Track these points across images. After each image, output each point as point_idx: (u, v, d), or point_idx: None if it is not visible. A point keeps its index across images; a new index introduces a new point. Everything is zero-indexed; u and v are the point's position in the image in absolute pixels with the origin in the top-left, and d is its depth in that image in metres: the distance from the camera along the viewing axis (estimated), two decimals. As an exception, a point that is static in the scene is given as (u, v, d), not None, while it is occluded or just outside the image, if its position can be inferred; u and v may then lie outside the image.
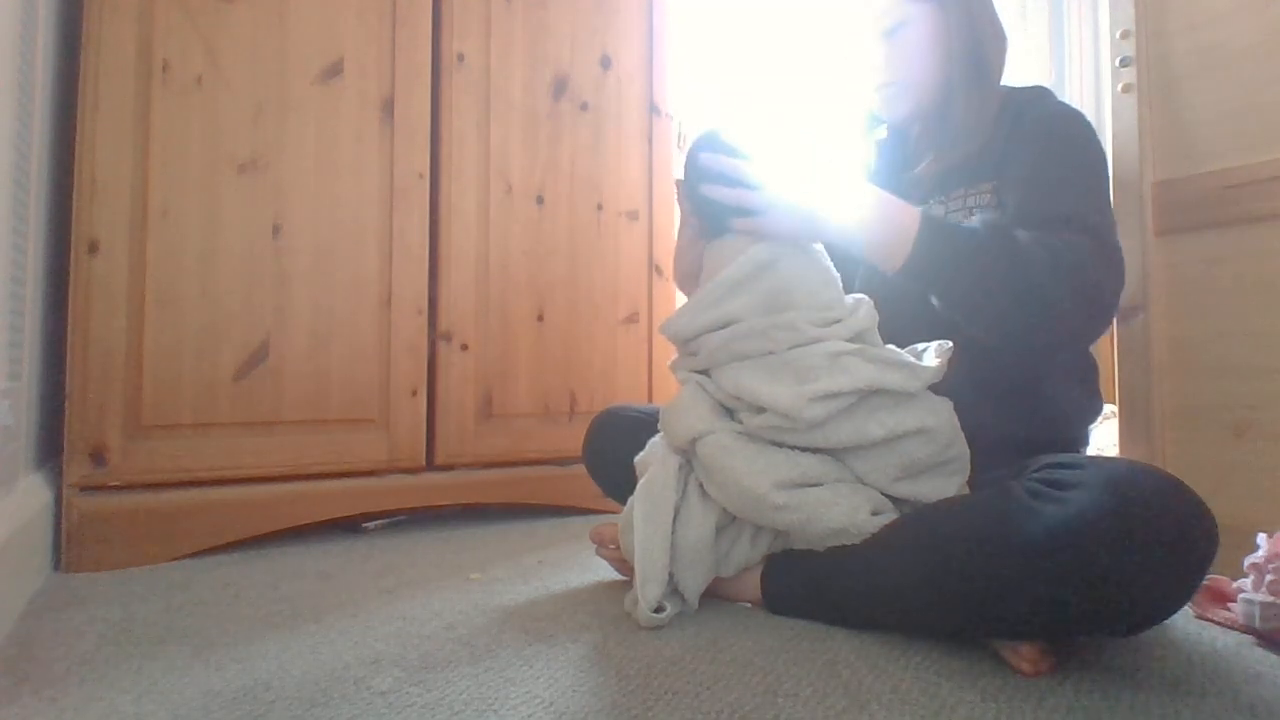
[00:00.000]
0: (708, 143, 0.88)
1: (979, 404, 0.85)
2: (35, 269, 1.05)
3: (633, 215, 1.58)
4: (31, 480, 1.02)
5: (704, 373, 0.89)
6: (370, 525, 1.34)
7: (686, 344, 0.90)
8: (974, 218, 0.90)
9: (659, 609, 0.81)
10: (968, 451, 0.82)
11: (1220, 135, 1.02)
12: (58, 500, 1.07)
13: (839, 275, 0.90)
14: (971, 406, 0.83)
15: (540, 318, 1.47)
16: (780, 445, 0.82)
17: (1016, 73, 1.22)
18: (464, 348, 1.38)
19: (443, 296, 1.36)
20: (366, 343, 1.29)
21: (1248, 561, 0.80)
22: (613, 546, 0.96)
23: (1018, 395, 0.89)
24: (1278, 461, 0.94)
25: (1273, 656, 0.73)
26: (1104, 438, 1.31)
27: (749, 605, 0.88)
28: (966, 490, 0.83)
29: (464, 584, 1.00)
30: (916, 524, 0.77)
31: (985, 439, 0.84)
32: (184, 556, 1.12)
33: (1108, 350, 1.16)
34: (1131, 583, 0.60)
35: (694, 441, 0.84)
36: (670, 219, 1.60)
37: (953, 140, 0.95)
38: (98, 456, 1.08)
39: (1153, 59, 1.10)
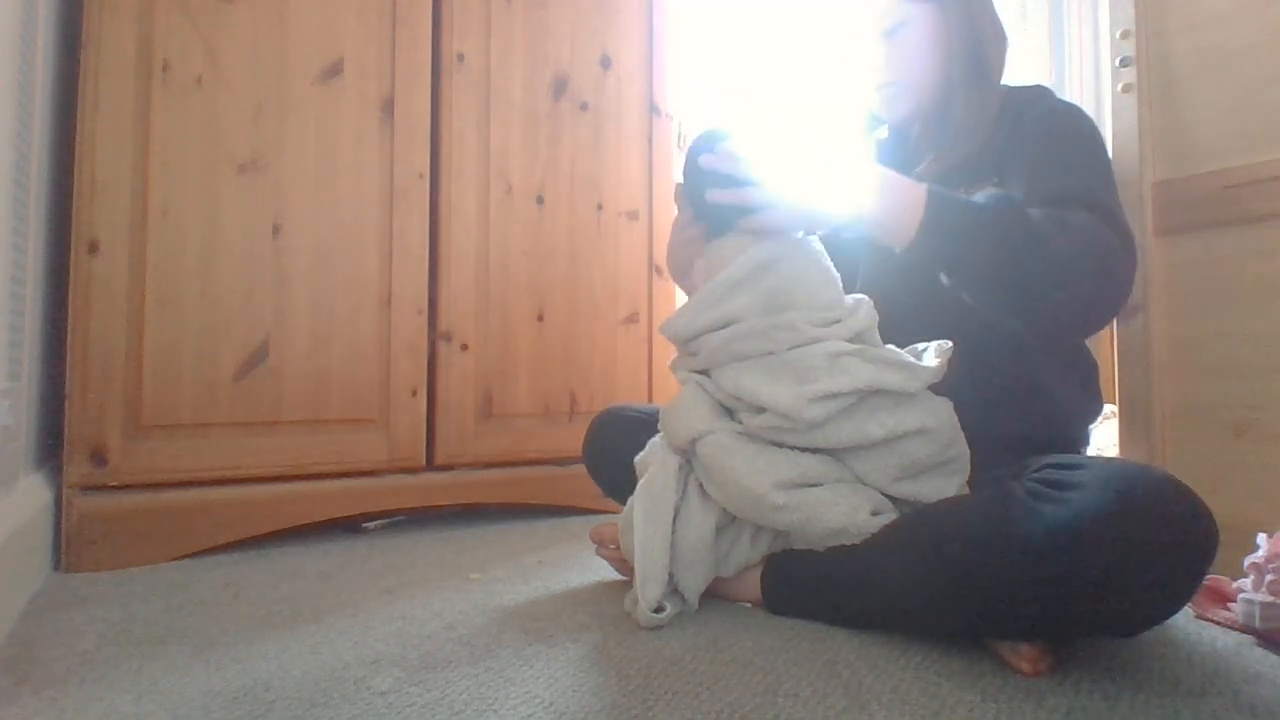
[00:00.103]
0: (705, 145, 0.87)
1: (979, 404, 0.85)
2: (35, 269, 1.05)
3: (633, 215, 1.58)
4: (31, 480, 1.02)
5: (704, 373, 0.89)
6: (370, 525, 1.34)
7: (686, 344, 0.90)
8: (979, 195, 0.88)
9: (659, 609, 0.81)
10: (968, 451, 0.82)
11: (1220, 135, 1.02)
12: (58, 500, 1.07)
13: (839, 275, 0.90)
14: (972, 406, 0.83)
15: (540, 318, 1.47)
16: (780, 445, 0.82)
17: (1016, 73, 1.22)
18: (464, 348, 1.38)
19: (443, 296, 1.36)
20: (366, 343, 1.29)
21: (1248, 561, 0.80)
22: (613, 546, 0.96)
23: (1018, 395, 0.89)
24: (1278, 461, 0.94)
25: (1273, 656, 0.73)
26: (1104, 438, 1.31)
27: (749, 605, 0.88)
28: (966, 490, 0.83)
29: (464, 584, 1.00)
30: (916, 524, 0.77)
31: (985, 439, 0.84)
32: (184, 556, 1.12)
33: (1108, 350, 1.16)
34: (1131, 583, 0.60)
35: (694, 441, 0.84)
36: (670, 219, 1.60)
37: (953, 140, 0.95)
38: (98, 456, 1.08)
39: (1153, 59, 1.10)
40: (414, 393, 1.32)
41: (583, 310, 1.52)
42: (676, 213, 0.94)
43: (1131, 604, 0.62)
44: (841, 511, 0.79)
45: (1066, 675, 0.67)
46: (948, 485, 0.81)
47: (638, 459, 0.94)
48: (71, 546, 1.05)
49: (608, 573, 1.03)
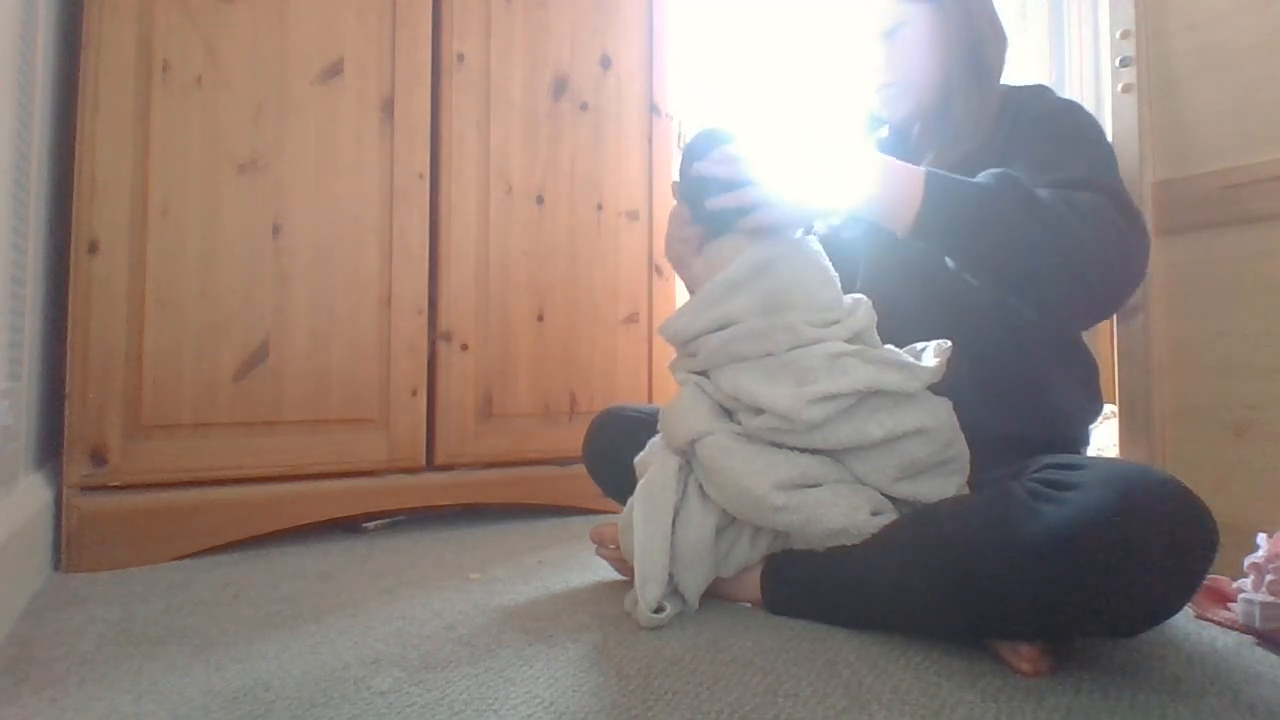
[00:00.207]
0: (699, 148, 0.87)
1: (979, 404, 0.85)
2: (35, 269, 1.05)
3: (633, 215, 1.58)
4: (31, 480, 1.02)
5: (703, 374, 0.89)
6: (370, 525, 1.34)
7: (685, 345, 0.90)
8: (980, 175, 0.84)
9: (659, 609, 0.81)
10: (967, 451, 0.82)
11: (1220, 135, 1.02)
12: (58, 500, 1.07)
13: (838, 275, 0.90)
14: (971, 406, 0.83)
15: (540, 318, 1.47)
16: (780, 446, 0.82)
17: (1016, 73, 1.22)
18: (464, 348, 1.38)
19: (443, 296, 1.36)
20: (366, 342, 1.29)
21: (1248, 561, 0.80)
22: (613, 546, 0.96)
23: (1018, 395, 0.89)
24: (1278, 461, 0.94)
25: (1273, 656, 0.73)
26: (1104, 438, 1.31)
27: (749, 605, 0.88)
28: (966, 490, 0.83)
29: (464, 584, 1.00)
30: (916, 524, 0.77)
31: (985, 439, 0.84)
32: (184, 556, 1.12)
33: (1108, 350, 1.16)
34: (1131, 583, 0.60)
35: (693, 442, 0.84)
36: (670, 219, 1.60)
37: (953, 139, 0.95)
38: (98, 456, 1.08)
39: (1153, 59, 1.10)
40: (414, 393, 1.32)
41: (583, 310, 1.52)
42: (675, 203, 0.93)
43: (1131, 604, 0.62)
44: (841, 512, 0.78)
45: (1066, 675, 0.67)
46: (947, 485, 0.81)
47: (637, 459, 0.94)
48: (71, 546, 1.05)
49: (608, 573, 1.03)
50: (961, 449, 0.82)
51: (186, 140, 1.15)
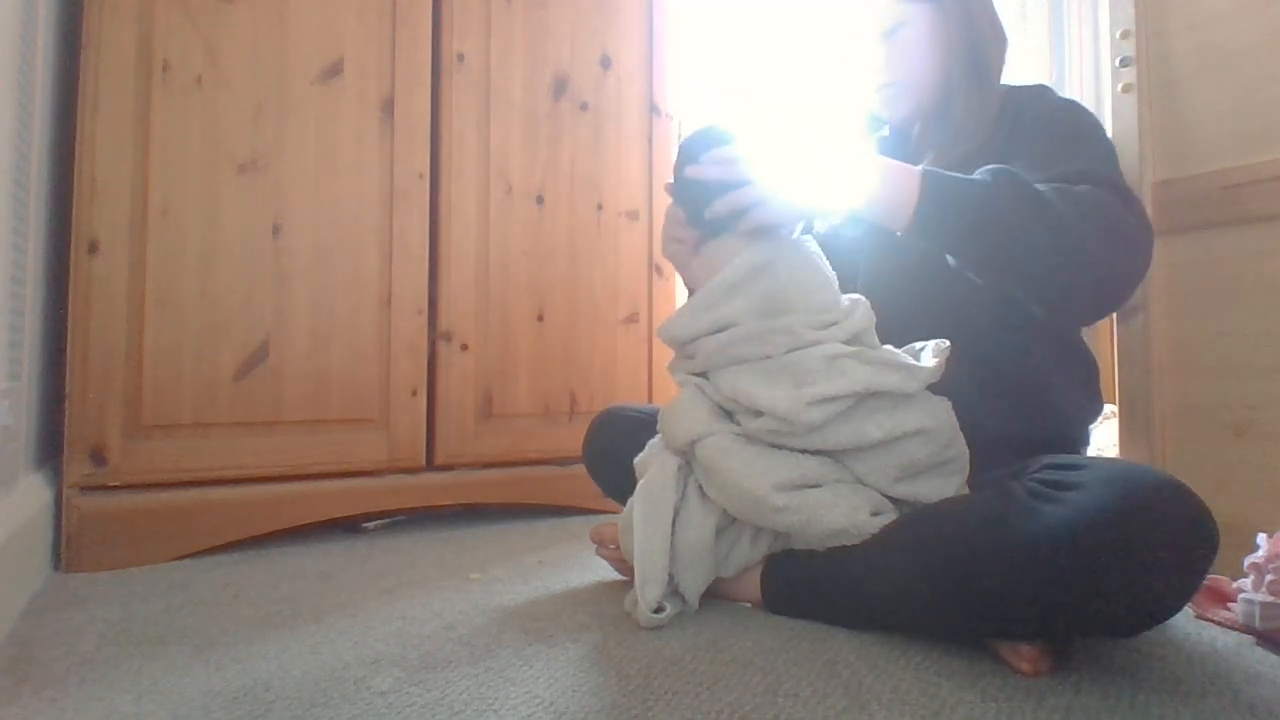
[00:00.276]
0: (694, 149, 0.86)
1: (979, 404, 0.85)
2: (35, 269, 1.05)
3: (633, 215, 1.58)
4: (31, 480, 1.02)
5: (702, 375, 0.89)
6: (370, 525, 1.34)
7: (684, 347, 0.90)
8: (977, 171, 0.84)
9: (659, 609, 0.81)
10: (967, 451, 0.82)
11: (1220, 135, 1.02)
12: (58, 500, 1.07)
13: (838, 275, 0.90)
14: (972, 406, 0.83)
15: (540, 318, 1.47)
16: (779, 447, 0.82)
17: (1016, 73, 1.22)
18: (464, 348, 1.38)
19: (443, 296, 1.36)
20: (366, 342, 1.29)
21: (1248, 561, 0.80)
22: (613, 546, 0.96)
23: (1018, 395, 0.89)
24: (1278, 461, 0.94)
25: (1273, 656, 0.73)
26: (1104, 438, 1.31)
27: (749, 605, 0.88)
28: (966, 490, 0.83)
29: (464, 584, 1.00)
30: (916, 524, 0.77)
31: (985, 439, 0.84)
32: (184, 556, 1.12)
33: (1108, 350, 1.16)
34: (1131, 583, 0.60)
35: (693, 443, 0.84)
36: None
37: (953, 139, 0.95)
38: (98, 456, 1.08)
39: (1153, 59, 1.10)
40: (414, 393, 1.32)
41: (583, 310, 1.52)
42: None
43: (1132, 604, 0.62)
44: (841, 512, 0.78)
45: (1066, 675, 0.67)
46: (947, 485, 0.81)
47: (637, 460, 0.94)
48: (71, 546, 1.05)
49: (608, 573, 1.03)
50: (961, 449, 0.82)
51: (186, 140, 1.15)
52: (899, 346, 0.86)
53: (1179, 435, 1.05)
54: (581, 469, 1.19)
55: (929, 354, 0.84)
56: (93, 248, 1.08)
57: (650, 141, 1.61)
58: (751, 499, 0.80)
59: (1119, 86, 1.13)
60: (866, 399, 0.80)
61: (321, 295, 1.25)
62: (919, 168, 0.77)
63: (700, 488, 0.85)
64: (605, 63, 1.57)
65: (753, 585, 0.86)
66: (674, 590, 0.85)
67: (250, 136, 1.20)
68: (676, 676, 0.67)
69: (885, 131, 1.08)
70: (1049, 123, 0.89)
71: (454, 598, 0.93)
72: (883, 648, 0.74)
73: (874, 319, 0.87)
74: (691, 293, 0.93)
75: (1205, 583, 0.83)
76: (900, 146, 1.06)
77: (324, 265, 1.25)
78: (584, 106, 1.53)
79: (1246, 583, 0.80)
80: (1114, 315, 1.12)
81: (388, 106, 1.32)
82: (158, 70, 1.13)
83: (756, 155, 0.82)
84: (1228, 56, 1.01)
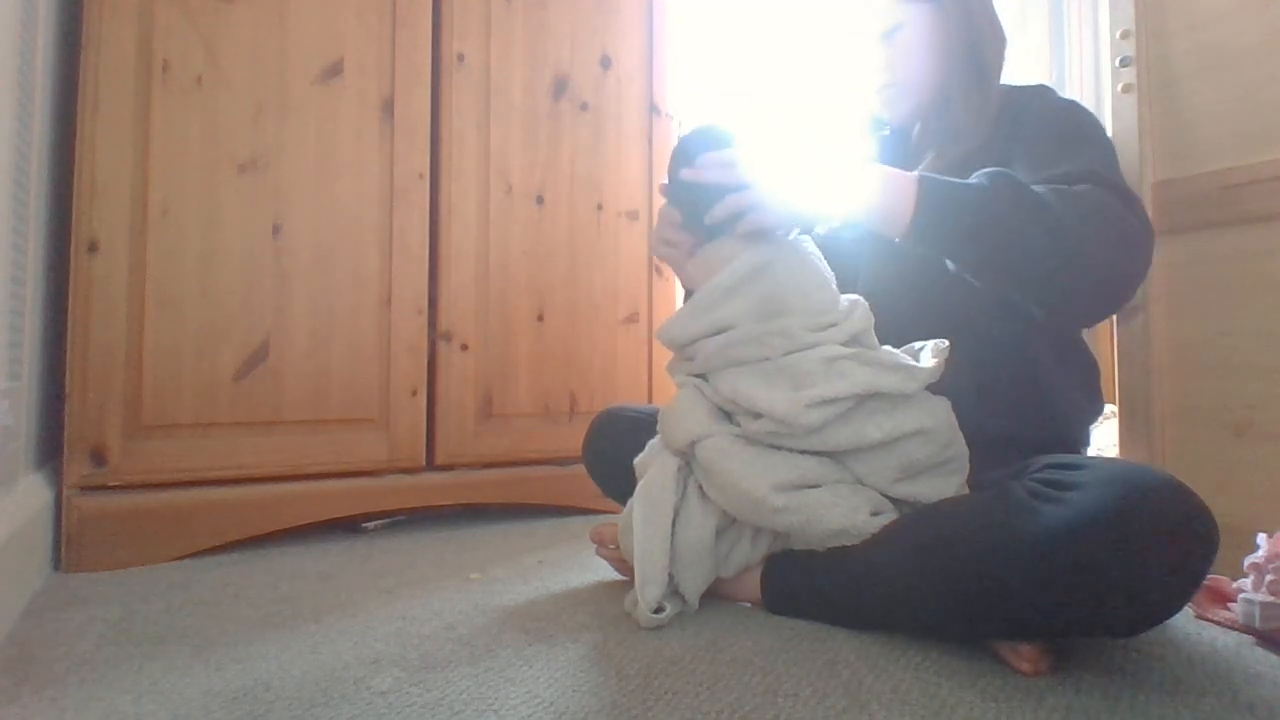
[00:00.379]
0: (688, 151, 0.86)
1: (979, 404, 0.85)
2: (35, 269, 1.05)
3: (633, 215, 1.58)
4: (31, 480, 1.02)
5: (701, 376, 0.89)
6: (370, 525, 1.34)
7: (682, 349, 0.90)
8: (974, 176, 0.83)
9: (659, 609, 0.81)
10: (966, 451, 0.82)
11: (1220, 135, 1.02)
12: (58, 500, 1.07)
13: (839, 276, 0.89)
14: (972, 406, 0.83)
15: (540, 318, 1.47)
16: (779, 448, 0.82)
17: (1016, 73, 1.22)
18: (464, 348, 1.38)
19: (443, 296, 1.36)
20: (366, 342, 1.29)
21: (1248, 561, 0.80)
22: (613, 546, 0.96)
23: (1018, 396, 0.89)
24: (1278, 461, 0.94)
25: (1273, 656, 0.73)
26: (1104, 438, 1.31)
27: (749, 605, 0.88)
28: (966, 490, 0.83)
29: (464, 584, 1.00)
30: (916, 524, 0.77)
31: (985, 440, 0.84)
32: (184, 556, 1.12)
33: (1108, 350, 1.16)
34: (1131, 583, 0.60)
35: (693, 445, 0.84)
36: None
37: (953, 138, 0.95)
38: (98, 456, 1.08)
39: (1153, 59, 1.10)
40: (414, 393, 1.32)
41: (583, 310, 1.52)
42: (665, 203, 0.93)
43: (1132, 604, 0.62)
44: (841, 513, 0.78)
45: (1066, 675, 0.67)
46: (947, 485, 0.81)
47: (637, 460, 0.94)
48: (71, 546, 1.05)
49: (608, 573, 1.03)
50: (960, 448, 0.82)
51: (186, 140, 1.15)
52: (899, 347, 0.86)
53: (1179, 435, 1.05)
54: (581, 469, 1.19)
55: (928, 354, 0.84)
56: (93, 248, 1.08)
57: (650, 141, 1.61)
58: (751, 500, 0.79)
59: (1119, 86, 1.13)
60: (866, 400, 0.80)
61: (321, 295, 1.25)
62: (915, 174, 0.77)
63: (700, 488, 0.85)
64: (605, 63, 1.57)
65: (753, 585, 0.86)
66: (674, 590, 0.85)
67: (250, 136, 1.20)
68: (676, 676, 0.67)
69: (886, 131, 1.08)
70: (1049, 123, 0.89)
71: (454, 598, 0.93)
72: (883, 648, 0.74)
73: (872, 319, 0.87)
74: (689, 294, 0.93)
75: (1205, 583, 0.83)
76: (901, 146, 1.06)
77: (324, 265, 1.25)
78: (584, 106, 1.53)
79: (1246, 583, 0.80)
80: (1114, 315, 1.12)
81: (388, 106, 1.32)
82: (158, 70, 1.13)
83: (754, 158, 0.82)
84: (1228, 56, 1.01)
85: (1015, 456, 0.82)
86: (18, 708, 0.63)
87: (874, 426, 0.79)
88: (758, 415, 0.81)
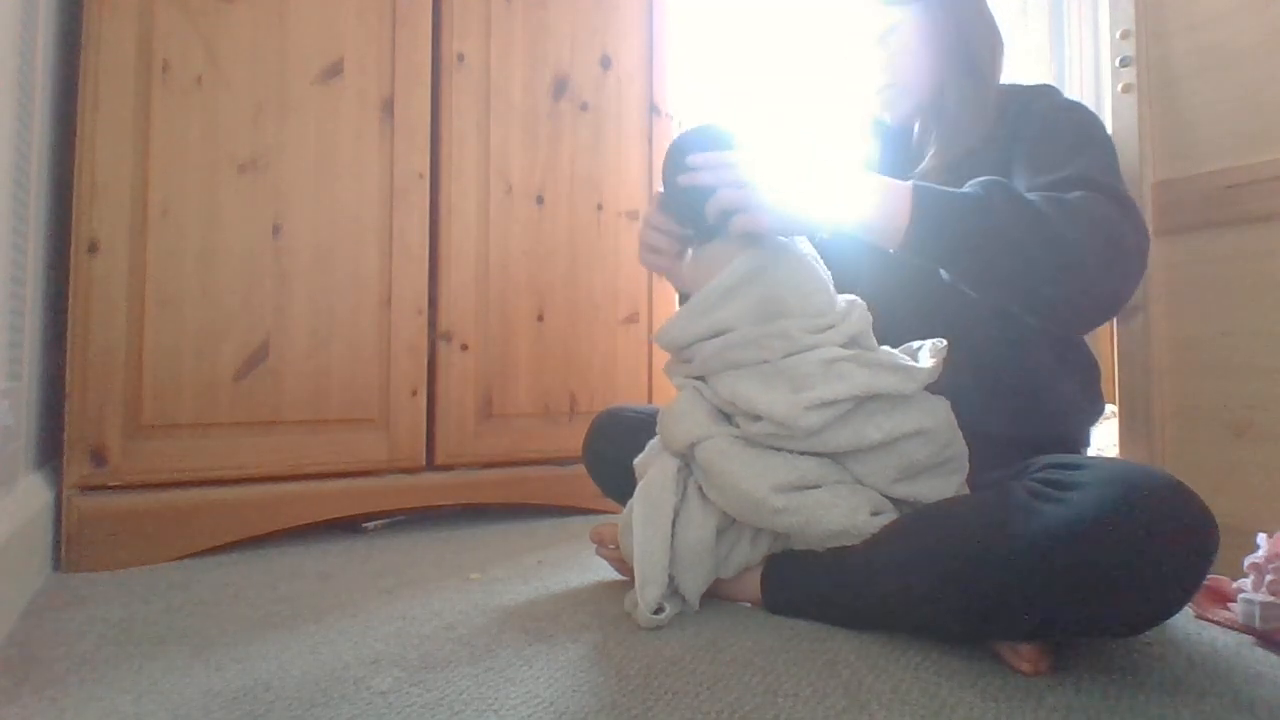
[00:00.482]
0: (678, 157, 0.85)
1: (979, 404, 0.85)
2: (35, 269, 1.05)
3: (633, 215, 1.58)
4: (31, 480, 1.02)
5: (700, 378, 0.88)
6: (370, 525, 1.34)
7: (680, 352, 0.90)
8: (968, 184, 0.82)
9: (659, 610, 0.81)
10: (966, 450, 0.82)
11: (1220, 135, 1.02)
12: (58, 500, 1.07)
13: (839, 280, 0.89)
14: (972, 406, 0.83)
15: (540, 318, 1.47)
16: (779, 449, 0.82)
17: (1017, 73, 1.23)
18: (464, 348, 1.38)
19: (443, 296, 1.36)
20: (366, 342, 1.29)
21: (1248, 561, 0.80)
22: (612, 547, 0.96)
23: (1018, 395, 0.89)
24: (1278, 461, 0.94)
25: (1273, 656, 0.73)
26: (1104, 438, 1.31)
27: (749, 605, 0.88)
28: (966, 490, 0.83)
29: (464, 584, 1.00)
30: (916, 525, 0.77)
31: (986, 440, 0.84)
32: (184, 556, 1.12)
33: (1108, 350, 1.16)
34: (1132, 583, 0.60)
35: (692, 446, 0.84)
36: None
37: (952, 136, 0.95)
38: (98, 456, 1.08)
39: (1153, 59, 1.10)
40: (414, 393, 1.32)
41: (583, 310, 1.52)
42: (650, 209, 0.92)
43: (1132, 604, 0.62)
44: (841, 513, 0.78)
45: (1066, 675, 0.67)
46: (947, 485, 0.81)
47: (637, 461, 0.94)
48: (71, 546, 1.05)
49: (608, 573, 1.03)
50: (960, 448, 0.82)
51: (186, 140, 1.15)
52: (898, 347, 0.86)
53: (1179, 435, 1.05)
54: (581, 469, 1.19)
55: (926, 354, 0.84)
56: (93, 248, 1.08)
57: (650, 141, 1.61)
58: (751, 501, 0.79)
59: (1119, 86, 1.13)
60: (865, 401, 0.79)
61: (321, 295, 1.25)
62: (910, 183, 0.77)
63: (700, 489, 0.85)
64: (605, 63, 1.57)
65: (753, 585, 0.86)
66: (674, 591, 0.85)
67: (250, 136, 1.20)
68: (676, 676, 0.67)
69: (887, 120, 1.08)
70: (1051, 124, 0.89)
71: (454, 598, 0.93)
72: (883, 648, 0.74)
73: (870, 320, 0.87)
74: (682, 297, 0.93)
75: (1205, 583, 0.83)
76: (903, 146, 1.07)
77: (324, 265, 1.25)
78: (584, 106, 1.53)
79: (1246, 583, 0.80)
80: (1116, 315, 1.12)
81: (388, 106, 1.32)
82: (158, 70, 1.13)
83: (750, 159, 0.81)
84: (1228, 56, 1.01)
85: (1015, 456, 0.82)
86: (18, 708, 0.63)
87: (873, 427, 0.79)
88: (757, 417, 0.81)
